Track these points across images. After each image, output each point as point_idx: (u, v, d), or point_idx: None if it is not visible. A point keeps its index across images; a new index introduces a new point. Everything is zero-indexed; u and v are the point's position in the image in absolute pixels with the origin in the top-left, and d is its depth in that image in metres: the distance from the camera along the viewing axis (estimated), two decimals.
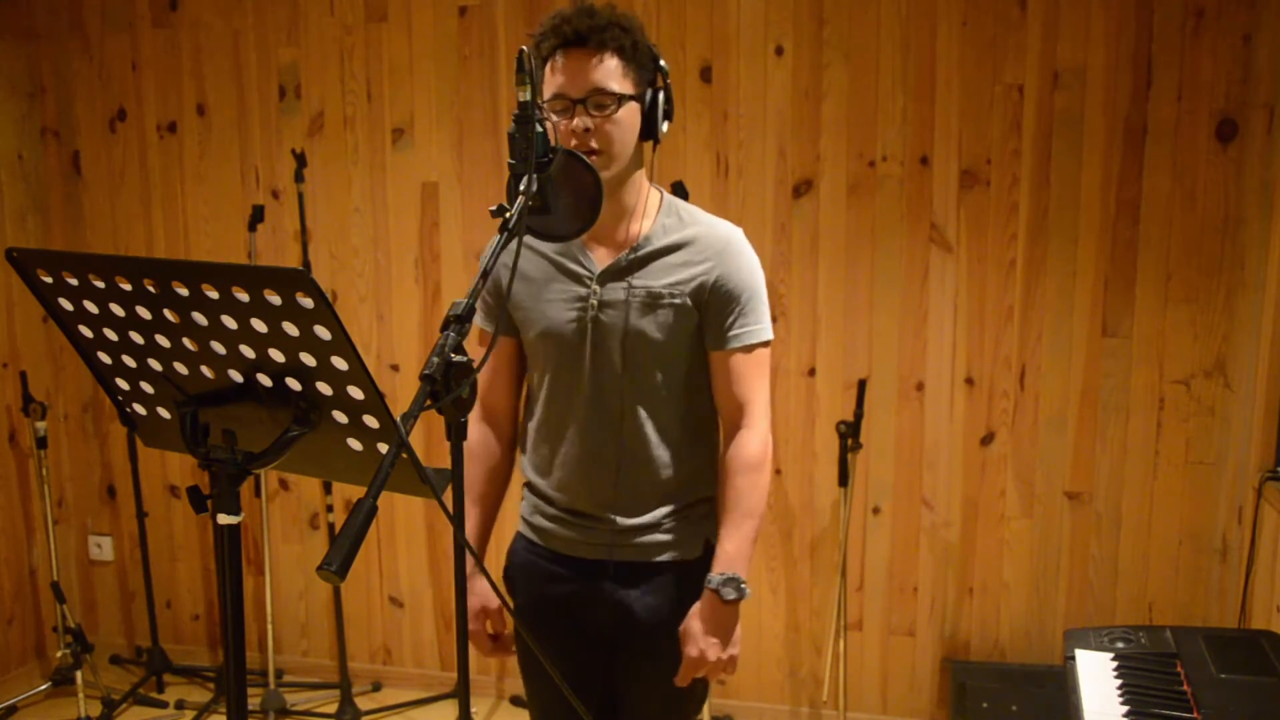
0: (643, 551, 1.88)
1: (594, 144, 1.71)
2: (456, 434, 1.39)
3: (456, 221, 3.42)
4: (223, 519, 1.32)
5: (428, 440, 3.53)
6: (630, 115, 1.75)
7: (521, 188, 1.49)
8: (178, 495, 3.80)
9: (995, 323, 3.06)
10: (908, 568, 3.21)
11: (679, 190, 2.73)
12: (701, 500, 1.91)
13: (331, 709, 3.49)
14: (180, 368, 1.33)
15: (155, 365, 1.35)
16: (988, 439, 3.11)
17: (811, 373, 3.20)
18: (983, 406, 3.10)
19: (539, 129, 1.51)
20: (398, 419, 1.22)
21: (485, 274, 1.41)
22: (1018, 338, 3.05)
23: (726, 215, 1.90)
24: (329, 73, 3.44)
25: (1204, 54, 2.84)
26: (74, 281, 1.30)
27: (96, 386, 3.68)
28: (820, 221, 3.14)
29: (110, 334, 1.35)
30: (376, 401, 1.23)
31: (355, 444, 1.30)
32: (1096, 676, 2.05)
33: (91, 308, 1.33)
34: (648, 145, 1.83)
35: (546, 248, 1.85)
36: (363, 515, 1.14)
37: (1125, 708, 1.90)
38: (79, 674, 3.30)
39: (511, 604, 1.98)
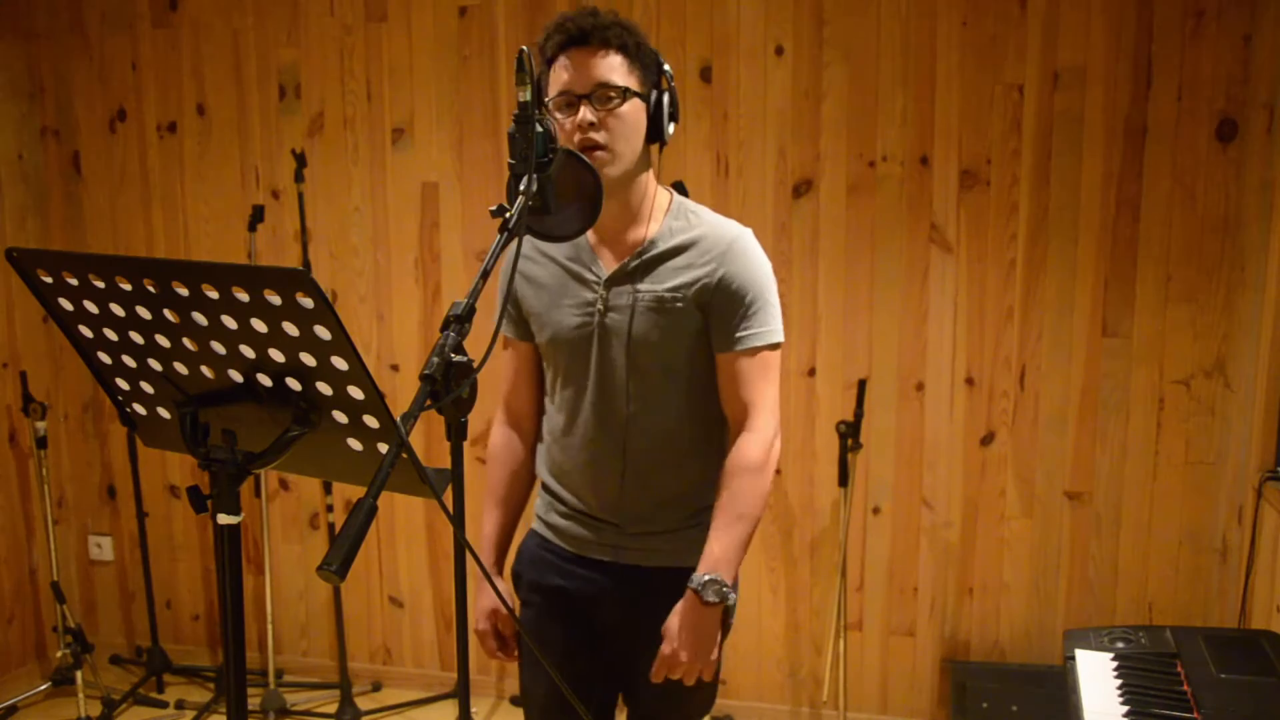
0: (648, 556, 1.88)
1: (599, 138, 1.70)
2: (456, 434, 1.39)
3: (456, 222, 3.42)
4: (223, 519, 1.32)
5: (428, 440, 3.53)
6: (635, 112, 1.74)
7: (521, 188, 1.48)
8: (178, 495, 3.80)
9: (995, 323, 3.06)
10: (908, 568, 3.21)
11: (679, 190, 2.72)
12: (710, 507, 1.87)
13: (331, 709, 3.49)
14: (180, 368, 1.33)
15: (155, 365, 1.35)
16: (988, 439, 3.11)
17: (811, 373, 3.20)
18: (983, 406, 3.10)
19: (539, 129, 1.50)
20: (398, 419, 1.22)
21: (485, 274, 1.41)
22: (1018, 338, 3.05)
23: (726, 215, 1.88)
24: (329, 73, 3.44)
25: (1204, 54, 2.84)
26: (74, 281, 1.30)
27: (96, 386, 3.67)
28: (820, 221, 3.14)
29: (110, 334, 1.35)
30: (376, 401, 1.23)
31: (355, 444, 1.30)
32: (1096, 677, 2.05)
33: (91, 308, 1.32)
34: (654, 149, 1.82)
35: (559, 254, 1.84)
36: (363, 515, 1.14)
37: (1125, 708, 1.90)
38: (79, 674, 3.30)
39: (516, 602, 1.98)
